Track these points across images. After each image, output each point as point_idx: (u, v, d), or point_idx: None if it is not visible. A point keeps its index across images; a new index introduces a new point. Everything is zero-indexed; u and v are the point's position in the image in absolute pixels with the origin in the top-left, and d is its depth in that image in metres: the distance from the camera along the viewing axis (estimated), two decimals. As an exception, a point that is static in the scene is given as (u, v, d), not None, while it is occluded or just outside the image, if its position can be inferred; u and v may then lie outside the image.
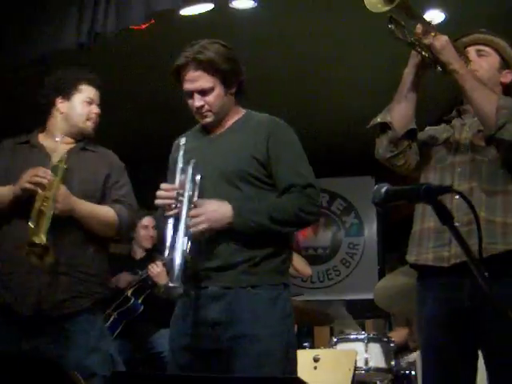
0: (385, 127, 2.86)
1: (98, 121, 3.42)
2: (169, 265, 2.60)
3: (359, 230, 8.53)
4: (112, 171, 3.36)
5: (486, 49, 2.89)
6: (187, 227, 2.60)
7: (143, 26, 4.63)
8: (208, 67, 2.74)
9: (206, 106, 2.77)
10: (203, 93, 2.76)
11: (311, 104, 6.84)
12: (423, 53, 2.73)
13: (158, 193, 2.68)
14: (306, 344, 5.40)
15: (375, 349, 4.52)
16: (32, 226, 3.03)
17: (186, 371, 2.63)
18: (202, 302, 2.68)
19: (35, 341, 3.12)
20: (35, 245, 3.00)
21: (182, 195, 2.65)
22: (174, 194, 2.65)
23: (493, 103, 2.64)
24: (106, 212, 3.28)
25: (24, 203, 3.13)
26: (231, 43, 2.89)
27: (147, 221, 5.43)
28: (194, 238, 2.62)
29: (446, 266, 2.68)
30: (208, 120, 2.81)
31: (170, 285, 2.54)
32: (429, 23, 2.74)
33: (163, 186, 2.69)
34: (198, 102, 2.77)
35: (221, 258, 2.67)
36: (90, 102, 3.41)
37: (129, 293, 5.24)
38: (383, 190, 1.82)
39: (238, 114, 2.89)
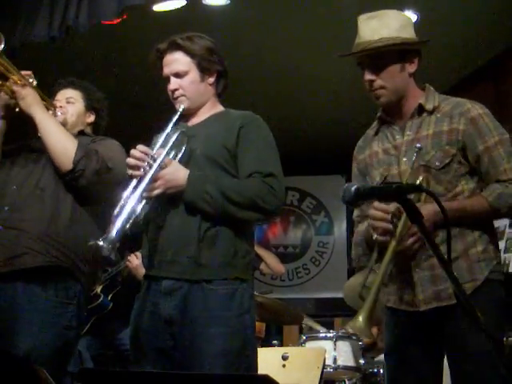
0: None
1: (66, 110, 3.44)
2: (112, 221, 2.57)
3: (329, 228, 8.57)
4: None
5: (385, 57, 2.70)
6: (144, 191, 2.61)
7: (116, 21, 4.60)
8: (184, 51, 2.80)
9: (181, 90, 2.80)
10: (178, 76, 2.80)
11: (283, 103, 6.84)
12: None
13: (132, 151, 2.67)
14: (275, 342, 5.39)
15: (344, 347, 4.53)
16: None
17: (148, 369, 2.60)
18: (157, 298, 2.66)
19: None
20: None
21: (155, 160, 2.64)
22: (146, 156, 2.64)
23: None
24: (70, 137, 3.20)
25: None
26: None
27: None
28: (146, 199, 2.63)
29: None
30: (183, 105, 2.82)
31: (100, 243, 2.49)
32: None
33: (139, 147, 2.68)
34: (172, 85, 2.81)
35: (174, 246, 2.65)
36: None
37: (98, 290, 5.21)
38: (353, 188, 1.81)
39: (217, 108, 2.91)
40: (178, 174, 2.65)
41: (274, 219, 2.77)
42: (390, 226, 2.54)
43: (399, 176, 2.70)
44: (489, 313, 2.50)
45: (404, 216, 2.52)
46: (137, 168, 2.64)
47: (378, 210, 2.57)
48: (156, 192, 2.63)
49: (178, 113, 2.79)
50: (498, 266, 2.69)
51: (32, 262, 3.04)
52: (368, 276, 2.56)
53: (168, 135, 2.74)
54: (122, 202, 2.60)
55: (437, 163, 2.63)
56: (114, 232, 2.52)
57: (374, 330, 5.60)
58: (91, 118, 3.55)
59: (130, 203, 2.58)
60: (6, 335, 2.99)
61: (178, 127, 2.79)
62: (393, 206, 2.54)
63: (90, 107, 3.54)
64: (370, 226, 2.64)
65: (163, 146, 2.71)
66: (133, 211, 2.59)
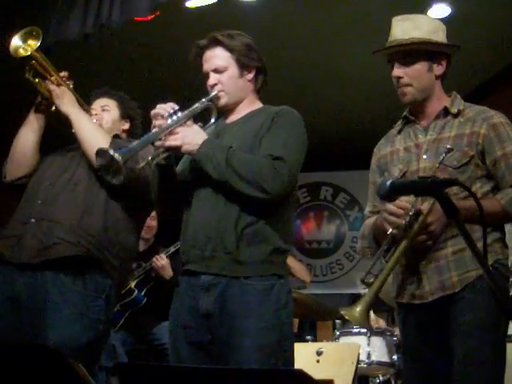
0: None
1: (102, 117, 3.53)
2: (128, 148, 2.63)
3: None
4: None
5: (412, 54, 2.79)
6: (158, 137, 2.65)
7: (149, 18, 4.62)
8: (224, 46, 2.83)
9: (220, 85, 2.82)
10: (217, 71, 2.83)
11: (316, 97, 6.83)
12: None
13: (158, 105, 2.72)
14: (308, 337, 5.39)
15: (378, 343, 4.53)
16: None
17: (187, 363, 2.62)
18: (196, 293, 2.67)
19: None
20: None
21: (177, 114, 2.69)
22: (169, 109, 2.69)
23: None
24: (104, 133, 3.30)
25: None
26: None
27: None
28: (161, 148, 2.68)
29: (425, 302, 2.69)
30: (222, 100, 2.84)
31: (111, 152, 2.52)
32: None
33: (168, 103, 2.74)
34: (212, 80, 2.83)
35: (213, 242, 2.65)
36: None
37: (132, 285, 5.25)
38: (388, 182, 1.81)
39: (256, 105, 2.92)
40: (197, 135, 2.69)
41: (277, 201, 2.68)
42: (403, 222, 2.61)
43: (417, 173, 2.76)
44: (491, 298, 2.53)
45: (422, 216, 2.60)
46: (159, 116, 2.68)
47: (396, 205, 2.64)
48: (170, 143, 2.66)
49: (212, 94, 2.81)
50: (504, 260, 2.72)
51: (64, 252, 3.08)
52: (375, 264, 2.64)
53: (196, 108, 2.77)
54: (139, 142, 2.66)
55: (454, 162, 2.69)
56: (123, 149, 2.58)
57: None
58: (126, 126, 3.62)
59: (146, 142, 2.65)
60: (37, 326, 3.03)
61: (215, 125, 2.84)
62: (409, 203, 2.62)
63: (125, 115, 3.61)
64: (383, 220, 2.69)
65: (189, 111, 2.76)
66: (146, 152, 2.69)
